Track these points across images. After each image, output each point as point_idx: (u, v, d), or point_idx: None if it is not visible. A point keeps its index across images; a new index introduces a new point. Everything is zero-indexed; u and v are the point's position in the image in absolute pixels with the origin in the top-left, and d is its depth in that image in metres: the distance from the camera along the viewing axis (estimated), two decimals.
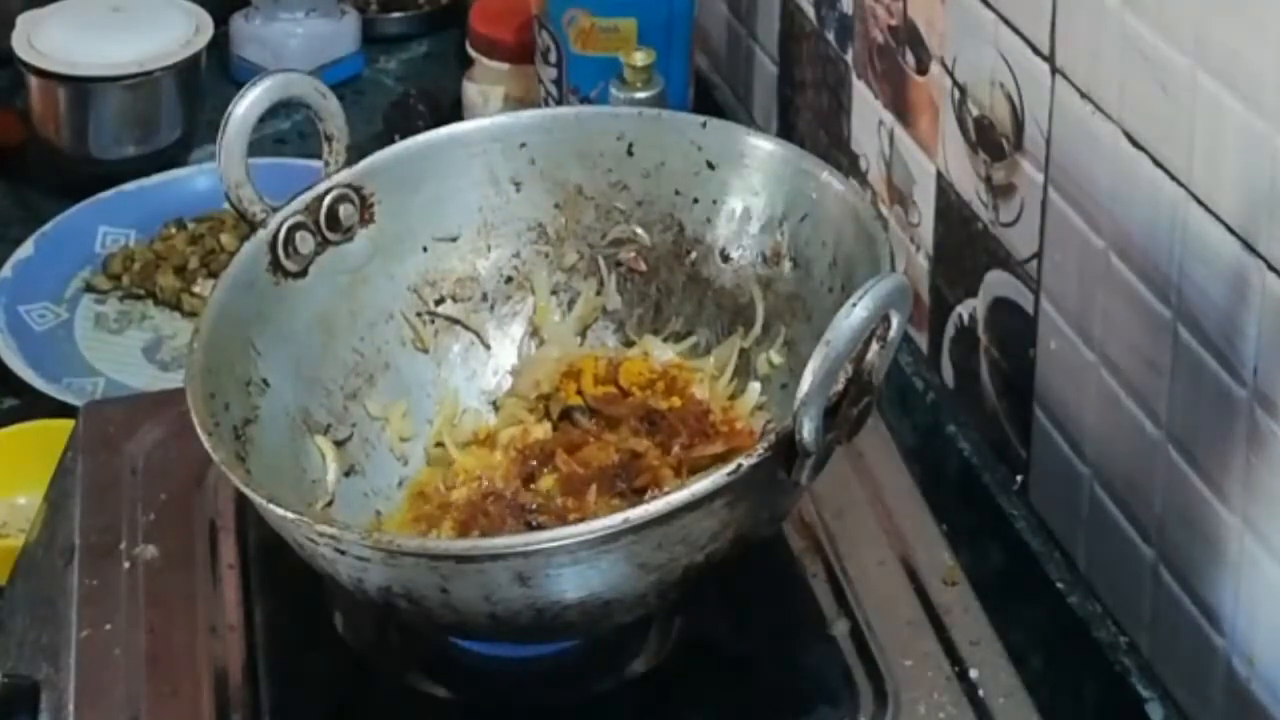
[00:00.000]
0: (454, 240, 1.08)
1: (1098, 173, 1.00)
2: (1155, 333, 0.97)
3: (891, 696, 0.93)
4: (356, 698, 0.96)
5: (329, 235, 1.03)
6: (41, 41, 1.65)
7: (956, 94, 1.15)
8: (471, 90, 1.65)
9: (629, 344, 1.08)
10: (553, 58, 1.50)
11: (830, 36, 1.35)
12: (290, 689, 0.96)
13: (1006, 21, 1.08)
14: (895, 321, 0.84)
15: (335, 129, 1.03)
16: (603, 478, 0.98)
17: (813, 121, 1.41)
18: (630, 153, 1.06)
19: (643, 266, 1.08)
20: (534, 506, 0.98)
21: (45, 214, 1.60)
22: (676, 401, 1.02)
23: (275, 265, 1.01)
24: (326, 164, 1.04)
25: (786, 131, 1.46)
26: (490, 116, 1.12)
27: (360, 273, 1.05)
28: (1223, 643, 0.95)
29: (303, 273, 1.02)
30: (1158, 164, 0.95)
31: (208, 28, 1.68)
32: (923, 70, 1.20)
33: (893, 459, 1.08)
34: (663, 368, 1.05)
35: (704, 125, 1.06)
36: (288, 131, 1.73)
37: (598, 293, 1.08)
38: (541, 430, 1.03)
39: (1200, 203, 0.92)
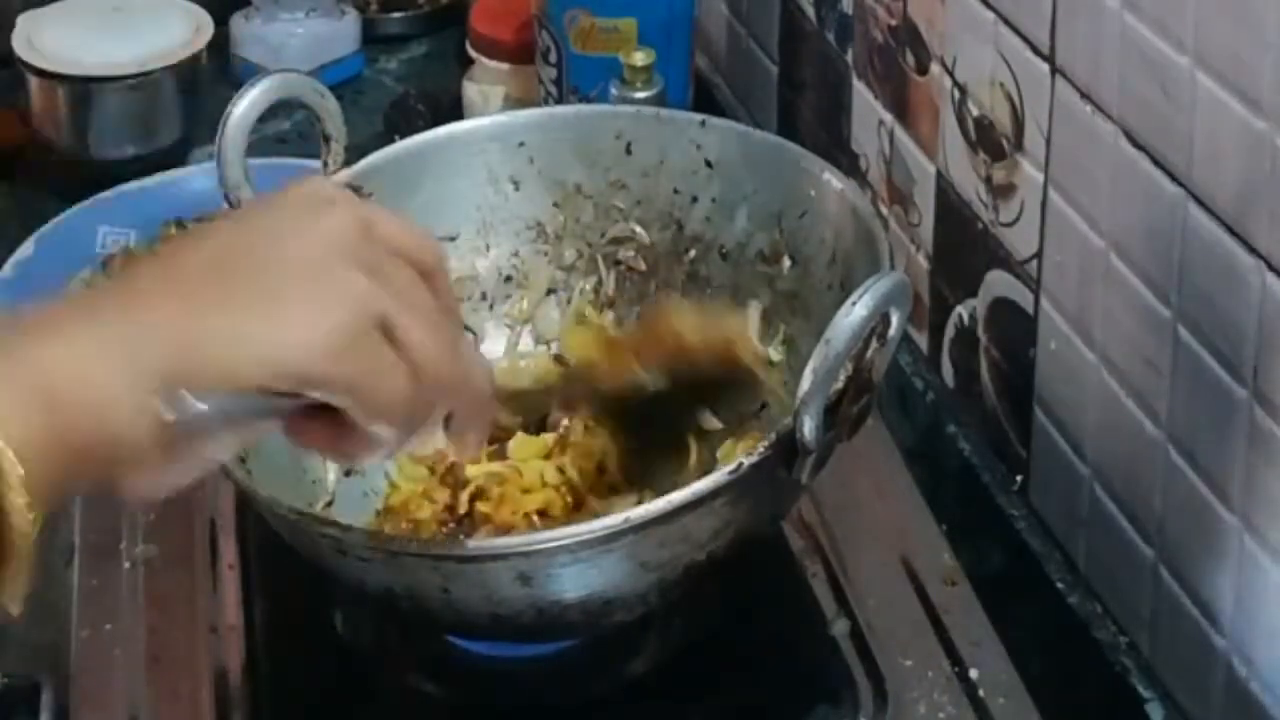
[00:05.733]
0: (453, 239, 1.07)
1: (1098, 173, 1.00)
2: (1155, 333, 0.97)
3: (891, 696, 0.93)
4: (356, 698, 0.96)
5: None
6: (41, 41, 1.64)
7: (956, 94, 1.15)
8: (471, 90, 1.65)
9: None
10: (553, 58, 1.50)
11: (830, 36, 1.35)
12: (290, 689, 0.96)
13: (1006, 21, 1.08)
14: (895, 319, 0.84)
15: (334, 129, 1.03)
16: (602, 478, 0.99)
17: (813, 121, 1.41)
18: (629, 151, 1.06)
19: (642, 265, 1.08)
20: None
21: (45, 214, 1.59)
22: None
23: None
24: (326, 164, 1.04)
25: (786, 131, 1.45)
26: (490, 116, 1.12)
27: None
28: (1223, 643, 0.95)
29: None
30: (1158, 164, 0.95)
31: (208, 28, 1.68)
32: (923, 70, 1.20)
33: (893, 459, 1.08)
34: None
35: (703, 124, 1.06)
36: (288, 131, 1.72)
37: (597, 291, 1.08)
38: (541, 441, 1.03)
39: (1200, 203, 0.91)
